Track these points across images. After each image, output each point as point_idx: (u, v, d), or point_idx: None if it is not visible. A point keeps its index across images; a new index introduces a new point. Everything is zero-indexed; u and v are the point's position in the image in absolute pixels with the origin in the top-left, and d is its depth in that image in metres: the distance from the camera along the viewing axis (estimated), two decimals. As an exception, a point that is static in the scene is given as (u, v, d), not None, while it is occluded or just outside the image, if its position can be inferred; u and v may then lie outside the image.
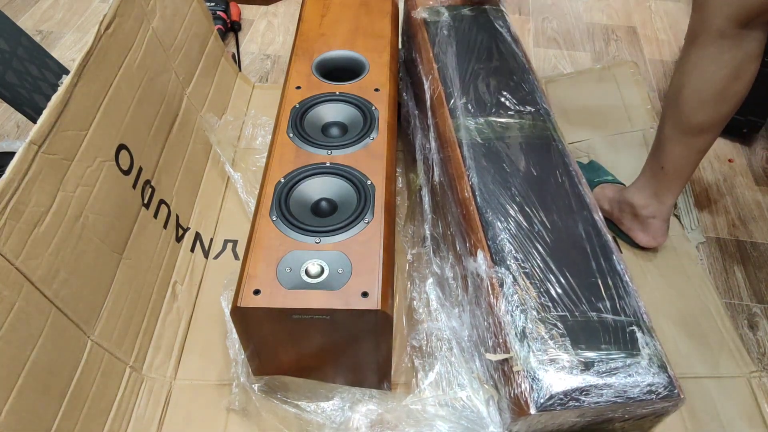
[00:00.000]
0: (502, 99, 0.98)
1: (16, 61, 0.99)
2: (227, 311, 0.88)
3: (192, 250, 1.08)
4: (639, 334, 0.71)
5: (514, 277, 0.75)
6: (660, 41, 1.73)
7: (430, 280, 0.98)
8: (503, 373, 0.71)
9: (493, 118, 0.95)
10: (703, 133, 0.93)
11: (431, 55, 1.07)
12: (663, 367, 0.68)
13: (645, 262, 1.10)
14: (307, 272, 0.73)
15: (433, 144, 0.99)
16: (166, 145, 1.06)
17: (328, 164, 0.85)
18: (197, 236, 1.10)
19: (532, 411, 0.66)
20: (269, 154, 0.87)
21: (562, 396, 0.66)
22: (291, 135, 0.89)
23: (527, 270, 0.76)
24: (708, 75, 0.87)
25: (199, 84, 1.22)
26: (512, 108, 0.97)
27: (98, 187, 0.83)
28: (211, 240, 1.11)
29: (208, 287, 1.04)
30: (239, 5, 1.75)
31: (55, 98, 0.76)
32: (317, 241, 0.76)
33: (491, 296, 0.75)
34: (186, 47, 1.17)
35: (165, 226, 1.02)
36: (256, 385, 0.84)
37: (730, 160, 1.36)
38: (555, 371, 0.67)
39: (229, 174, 1.19)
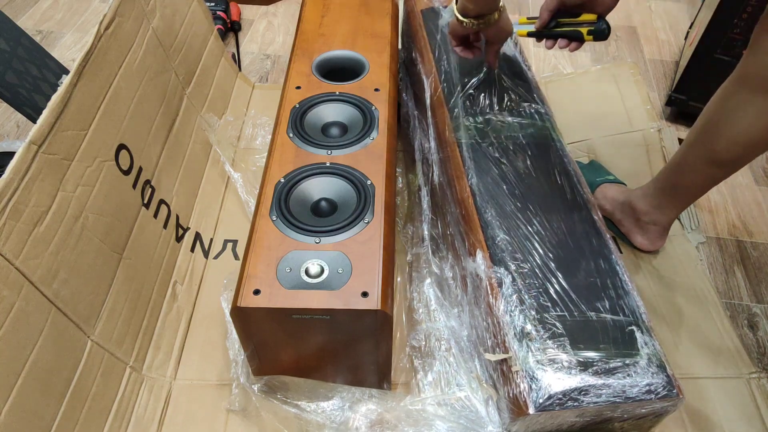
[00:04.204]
0: (502, 99, 0.98)
1: (16, 61, 0.99)
2: (227, 311, 0.88)
3: (192, 250, 1.08)
4: (638, 334, 0.71)
5: (513, 277, 0.75)
6: (660, 41, 1.72)
7: (429, 280, 0.98)
8: (502, 372, 0.71)
9: (493, 118, 0.95)
10: (727, 167, 0.93)
11: (431, 55, 1.07)
12: (662, 367, 0.68)
13: (645, 263, 1.10)
14: (307, 272, 0.73)
15: (432, 144, 0.99)
16: (166, 145, 1.06)
17: (328, 164, 0.85)
18: (197, 236, 1.10)
19: (531, 411, 0.66)
20: (269, 154, 0.87)
21: (560, 396, 0.66)
22: (291, 135, 0.89)
23: (526, 270, 0.76)
24: (748, 121, 0.85)
25: (199, 84, 1.22)
26: (511, 108, 0.97)
27: (98, 187, 0.83)
28: (211, 240, 1.12)
29: (208, 287, 1.04)
30: (239, 5, 1.75)
31: (55, 98, 0.76)
32: (317, 241, 0.76)
33: (490, 296, 0.75)
34: (186, 47, 1.17)
35: (165, 226, 1.02)
36: (256, 385, 0.84)
37: (730, 160, 1.36)
38: (554, 371, 0.67)
39: (229, 174, 1.19)
